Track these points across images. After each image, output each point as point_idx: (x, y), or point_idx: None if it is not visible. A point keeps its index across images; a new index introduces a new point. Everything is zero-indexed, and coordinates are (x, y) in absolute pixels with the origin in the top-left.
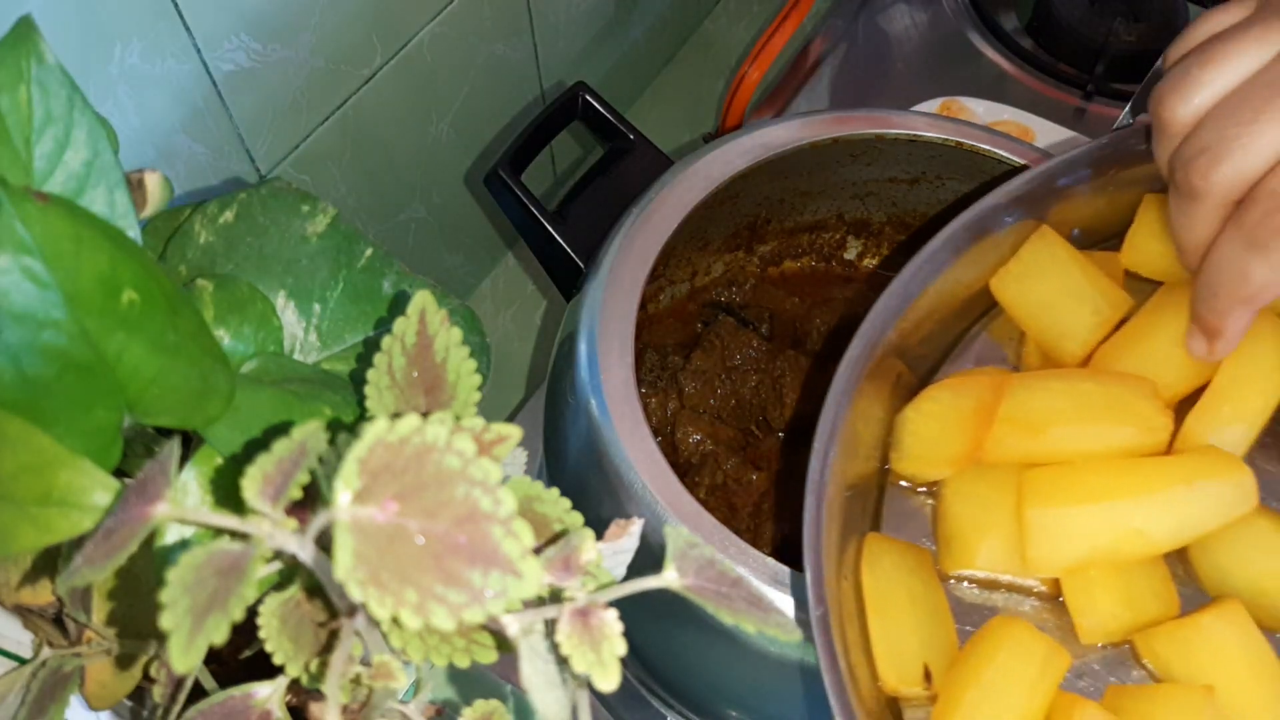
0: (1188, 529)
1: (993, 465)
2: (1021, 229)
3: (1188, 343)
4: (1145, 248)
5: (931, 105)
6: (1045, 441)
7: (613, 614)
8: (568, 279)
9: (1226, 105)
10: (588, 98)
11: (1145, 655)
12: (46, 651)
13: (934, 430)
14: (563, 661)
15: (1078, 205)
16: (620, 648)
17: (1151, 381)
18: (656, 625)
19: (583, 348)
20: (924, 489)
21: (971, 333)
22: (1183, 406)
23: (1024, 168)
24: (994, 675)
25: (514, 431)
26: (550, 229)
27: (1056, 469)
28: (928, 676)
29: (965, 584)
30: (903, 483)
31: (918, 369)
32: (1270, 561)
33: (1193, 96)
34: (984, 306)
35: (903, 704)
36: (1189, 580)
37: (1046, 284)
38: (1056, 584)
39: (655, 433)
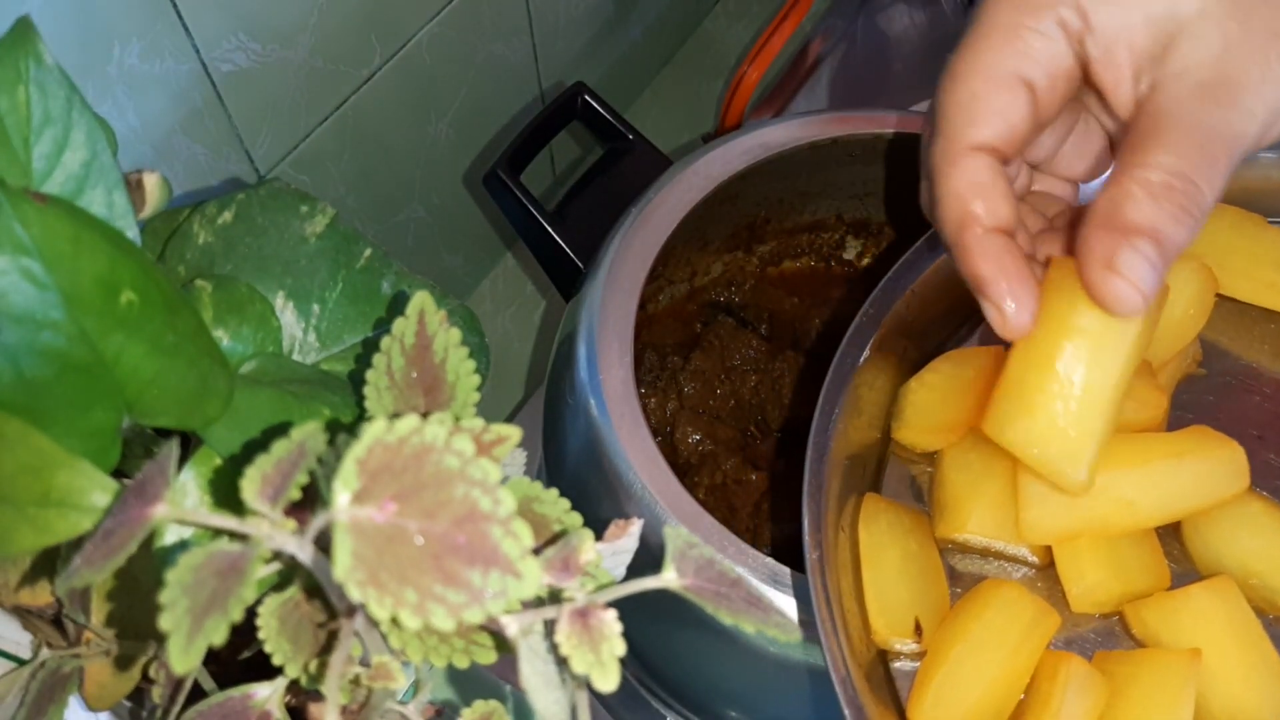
0: (1178, 504)
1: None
2: None
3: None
4: None
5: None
6: None
7: (612, 614)
8: (567, 279)
9: None
10: (587, 98)
11: (1134, 626)
12: (45, 652)
13: (935, 400)
14: (562, 662)
15: None
16: (619, 648)
17: (1147, 361)
18: (656, 625)
19: (582, 348)
20: (923, 459)
21: (978, 316)
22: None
23: None
24: (982, 631)
25: (513, 432)
26: (549, 229)
27: None
28: (918, 630)
29: (959, 551)
30: (903, 453)
31: (924, 348)
32: (1259, 541)
33: None
34: None
35: (891, 659)
36: (1183, 559)
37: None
38: (1049, 554)
39: (655, 433)
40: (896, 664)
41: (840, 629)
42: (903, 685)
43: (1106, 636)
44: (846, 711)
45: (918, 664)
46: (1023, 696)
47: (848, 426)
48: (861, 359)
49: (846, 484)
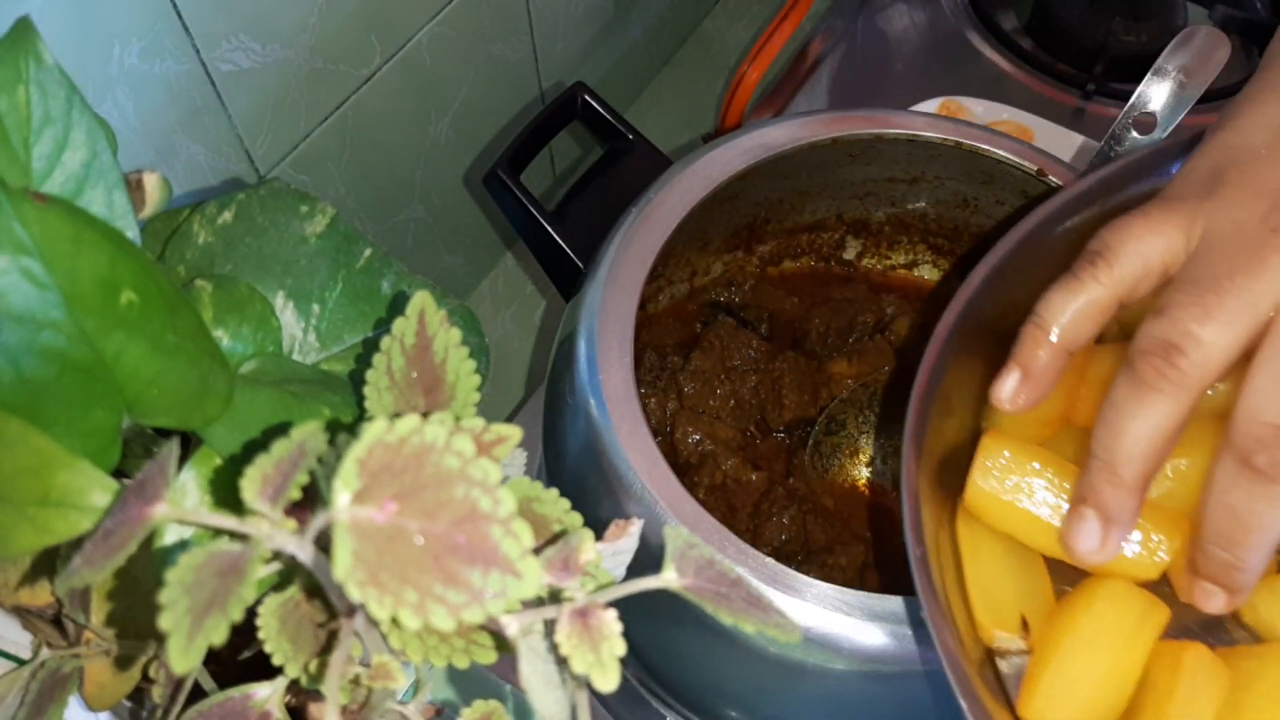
0: None
1: (1082, 428)
2: None
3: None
4: None
5: (931, 105)
6: None
7: (612, 614)
8: (567, 279)
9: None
10: (587, 98)
11: (1245, 613)
12: (45, 652)
13: None
14: (562, 662)
15: None
16: (619, 648)
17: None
18: (656, 625)
19: (582, 348)
20: None
21: None
22: None
23: (1027, 168)
24: (1091, 624)
25: (513, 432)
26: (549, 229)
27: None
28: (1025, 627)
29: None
30: None
31: (1008, 350)
32: None
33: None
34: None
35: (997, 657)
36: None
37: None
38: None
39: (655, 433)
40: (1002, 666)
41: (949, 622)
42: (1010, 689)
43: (1215, 628)
44: (964, 703)
45: (1023, 665)
46: (1135, 693)
47: (941, 425)
48: (950, 355)
49: (943, 485)
